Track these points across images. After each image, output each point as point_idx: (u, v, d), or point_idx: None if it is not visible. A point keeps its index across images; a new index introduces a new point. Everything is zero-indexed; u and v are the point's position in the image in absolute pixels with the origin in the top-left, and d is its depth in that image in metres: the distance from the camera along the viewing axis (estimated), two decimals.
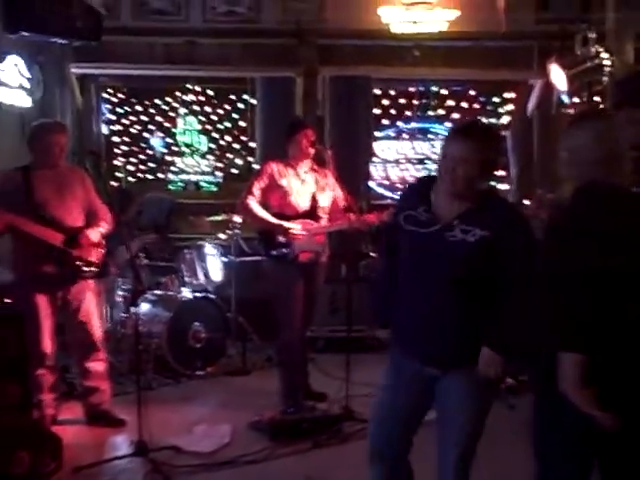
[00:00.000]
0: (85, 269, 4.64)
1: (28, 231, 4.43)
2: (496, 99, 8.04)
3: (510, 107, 7.99)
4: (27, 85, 6.57)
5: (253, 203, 4.98)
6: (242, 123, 8.09)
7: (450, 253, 2.69)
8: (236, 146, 8.15)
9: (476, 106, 8.02)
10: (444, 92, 8.03)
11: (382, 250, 3.04)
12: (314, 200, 5.07)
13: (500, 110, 8.03)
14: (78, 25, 6.25)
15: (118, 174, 7.81)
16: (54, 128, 4.75)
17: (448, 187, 2.73)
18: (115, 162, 8.01)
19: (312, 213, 5.06)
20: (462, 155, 2.66)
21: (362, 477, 4.04)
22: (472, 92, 8.01)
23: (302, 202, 5.04)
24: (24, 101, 6.55)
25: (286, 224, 4.95)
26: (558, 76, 6.89)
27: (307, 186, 5.06)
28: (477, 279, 2.70)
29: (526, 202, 7.19)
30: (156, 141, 8.18)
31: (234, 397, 5.45)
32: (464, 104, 7.99)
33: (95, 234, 4.67)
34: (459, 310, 2.72)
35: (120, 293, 6.13)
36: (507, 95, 7.96)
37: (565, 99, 7.03)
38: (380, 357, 6.37)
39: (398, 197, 3.09)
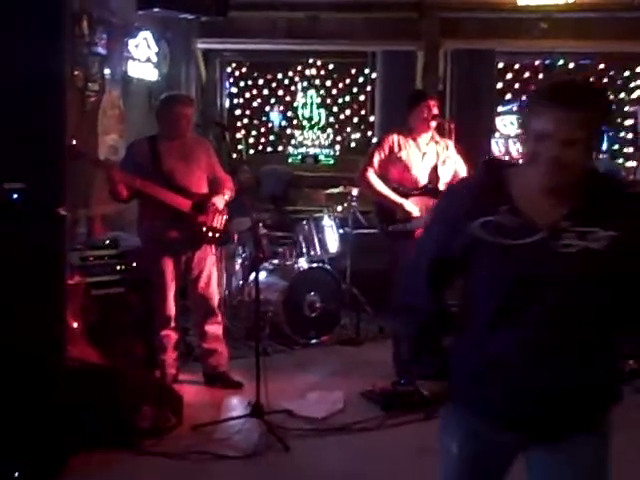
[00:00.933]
0: (210, 234, 4.79)
1: (157, 196, 4.60)
2: (627, 73, 7.68)
3: None
4: (155, 59, 6.80)
5: (372, 175, 4.97)
6: (361, 97, 8.09)
7: (568, 269, 1.90)
8: (355, 120, 8.16)
9: (605, 80, 7.69)
10: (571, 65, 7.74)
11: (421, 281, 2.11)
12: (435, 173, 5.01)
13: (631, 85, 7.67)
14: (205, 1, 6.40)
15: (239, 146, 7.98)
16: (182, 100, 4.90)
17: (545, 179, 1.91)
18: (236, 135, 8.18)
19: (432, 188, 5.00)
20: (566, 132, 1.84)
21: None
22: (601, 65, 7.69)
23: (422, 176, 4.99)
24: (152, 75, 6.79)
25: (405, 205, 4.91)
26: None
27: (428, 159, 5.00)
28: (611, 301, 1.96)
29: None
30: (275, 115, 8.30)
31: (347, 366, 5.51)
32: (592, 78, 7.68)
33: (220, 201, 4.80)
34: (584, 348, 1.96)
35: (239, 261, 6.29)
36: (639, 69, 7.59)
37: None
38: None
39: (448, 196, 2.24)
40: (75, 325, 4.32)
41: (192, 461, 3.77)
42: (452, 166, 5.06)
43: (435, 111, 4.96)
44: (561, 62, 7.74)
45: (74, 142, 4.29)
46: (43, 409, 3.43)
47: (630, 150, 7.46)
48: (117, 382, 3.90)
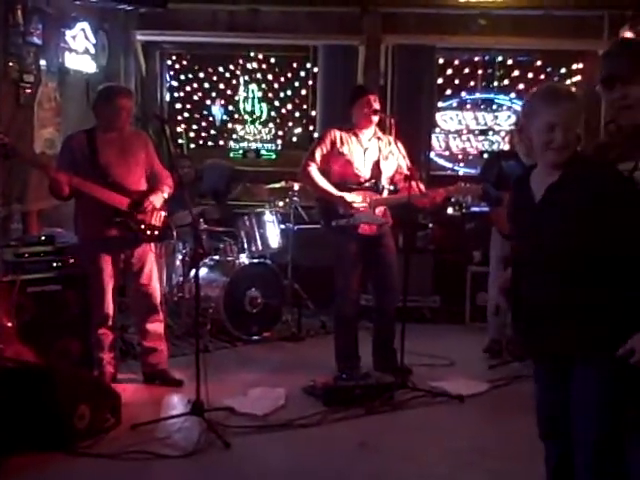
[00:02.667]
0: (148, 232, 4.72)
1: (94, 194, 4.52)
2: (563, 70, 7.82)
3: (578, 78, 7.77)
4: (92, 51, 6.66)
5: (314, 170, 4.96)
6: (303, 92, 8.07)
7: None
8: (297, 115, 8.14)
9: (542, 77, 7.82)
10: (510, 62, 7.86)
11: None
12: (377, 169, 5.02)
13: (567, 81, 7.82)
14: None
15: (180, 140, 7.89)
16: (121, 92, 4.81)
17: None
18: (177, 129, 8.08)
19: (374, 183, 5.02)
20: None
21: (414, 443, 4.10)
22: (539, 62, 7.81)
23: (364, 171, 5.00)
24: (89, 66, 6.65)
25: (348, 197, 4.91)
26: None
27: (370, 154, 5.02)
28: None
29: None
30: (217, 109, 8.22)
31: (288, 362, 5.51)
32: (530, 75, 7.81)
33: (158, 199, 4.74)
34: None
35: (179, 257, 6.22)
36: (575, 66, 7.74)
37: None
38: (433, 328, 6.46)
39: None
40: (9, 324, 4.22)
41: (131, 461, 3.69)
42: (395, 161, 5.08)
43: (376, 106, 4.96)
44: (500, 58, 7.85)
45: (7, 140, 4.19)
46: None
47: None
48: (52, 381, 3.80)
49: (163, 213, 4.79)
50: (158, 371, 4.87)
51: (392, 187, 5.19)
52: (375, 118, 4.98)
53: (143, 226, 4.68)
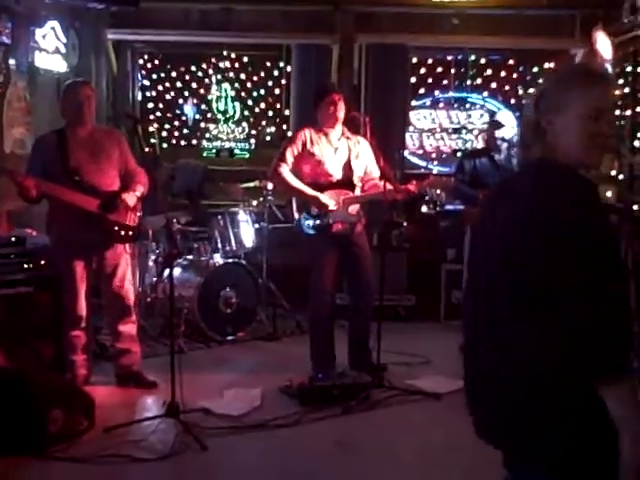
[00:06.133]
0: (122, 233, 4.67)
1: (64, 198, 4.46)
2: (535, 69, 7.87)
3: None
4: (63, 50, 6.59)
5: (285, 170, 4.93)
6: (276, 91, 8.04)
7: None
8: (270, 114, 8.11)
9: (515, 76, 7.87)
10: (482, 61, 7.89)
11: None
12: (348, 168, 5.01)
13: (539, 80, 7.86)
14: None
15: (152, 140, 7.82)
16: (80, 83, 4.81)
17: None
18: (149, 128, 8.01)
19: (346, 182, 5.01)
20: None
21: (390, 442, 4.09)
22: (511, 61, 7.86)
23: (335, 170, 4.98)
24: (60, 66, 6.57)
25: (321, 198, 4.88)
26: (603, 44, 6.72)
27: (340, 153, 5.00)
28: None
29: None
30: (189, 108, 8.16)
31: (264, 362, 5.49)
32: (503, 73, 7.85)
33: (131, 198, 4.68)
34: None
35: (152, 257, 6.16)
36: (547, 65, 7.79)
37: (608, 68, 6.87)
38: (408, 326, 6.46)
39: None
40: None
41: (106, 465, 3.64)
42: (365, 160, 5.07)
43: (341, 105, 4.94)
44: (472, 57, 7.87)
45: None
46: None
47: None
48: (24, 385, 3.74)
49: (137, 213, 4.74)
50: (132, 373, 4.82)
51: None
52: (340, 117, 4.95)
53: (117, 227, 4.62)
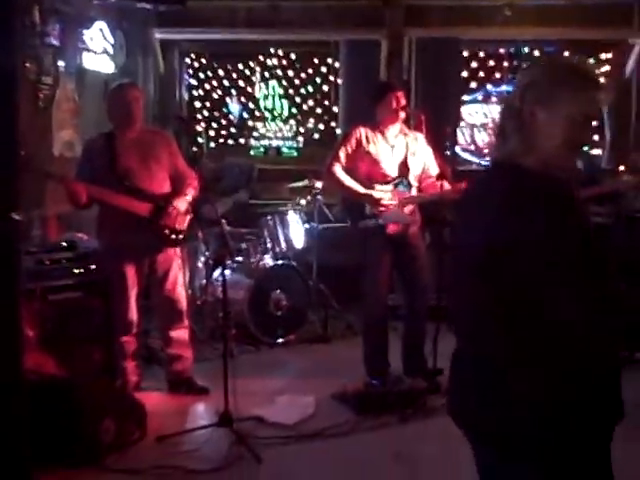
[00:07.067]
0: (173, 237, 4.60)
1: (115, 203, 4.40)
2: (591, 60, 7.61)
3: (606, 68, 7.57)
4: (111, 51, 6.56)
5: (339, 170, 4.81)
6: (325, 87, 7.92)
7: None
8: (318, 111, 7.99)
9: None
10: (536, 53, 7.66)
11: None
12: (405, 166, 4.86)
13: (596, 72, 7.62)
14: None
15: (199, 139, 7.77)
16: (126, 85, 4.73)
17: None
18: (196, 127, 7.96)
19: (403, 180, 4.86)
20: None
21: (450, 452, 3.93)
22: (566, 53, 7.61)
23: (391, 169, 4.84)
24: (108, 67, 6.55)
25: (375, 194, 4.76)
26: None
27: (397, 151, 4.86)
28: None
29: (621, 168, 6.86)
30: (235, 107, 8.09)
31: (316, 366, 5.38)
32: None
33: (182, 203, 4.59)
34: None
35: (202, 259, 6.09)
36: (603, 56, 7.53)
37: None
38: None
39: None
40: (30, 333, 4.10)
41: (158, 476, 3.57)
42: (422, 158, 4.92)
43: (403, 102, 4.82)
44: (526, 50, 7.66)
45: (22, 152, 4.07)
46: None
47: (595, 138, 7.40)
48: (76, 394, 3.69)
49: (188, 217, 4.66)
50: (183, 379, 4.75)
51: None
52: (402, 114, 4.84)
53: (167, 231, 4.55)
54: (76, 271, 4.67)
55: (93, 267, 4.72)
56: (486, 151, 7.80)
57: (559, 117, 1.78)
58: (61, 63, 5.71)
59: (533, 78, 1.85)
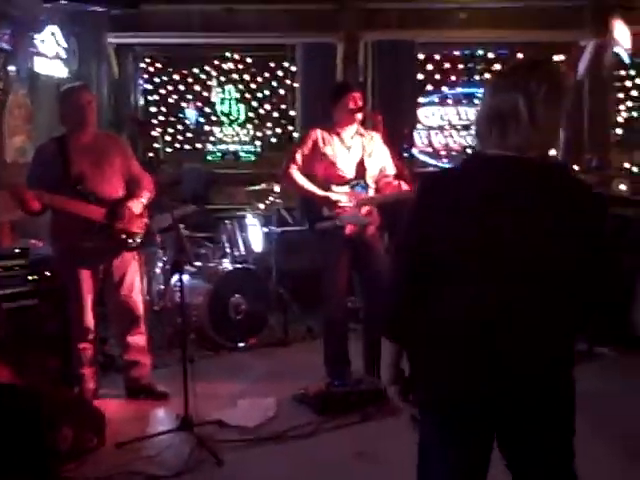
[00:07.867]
0: (130, 241, 4.53)
1: (68, 208, 4.31)
2: None
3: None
4: (63, 55, 6.46)
5: (296, 172, 4.79)
6: (282, 91, 7.91)
7: None
8: (275, 115, 7.98)
9: None
10: (490, 56, 7.76)
11: None
12: (361, 167, 4.86)
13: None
14: None
15: (156, 145, 7.70)
16: (79, 87, 4.64)
17: None
18: (152, 132, 7.89)
19: (360, 180, 4.86)
20: None
21: (414, 450, 3.91)
22: (520, 55, 7.71)
23: (348, 170, 4.84)
24: (61, 71, 6.45)
25: (333, 196, 4.75)
26: (622, 33, 6.57)
27: (353, 152, 4.85)
28: None
29: (575, 167, 6.96)
30: (191, 112, 8.04)
31: (276, 369, 5.34)
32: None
33: (137, 205, 4.53)
34: None
35: (159, 264, 6.02)
36: (556, 57, 7.64)
37: (625, 58, 6.72)
38: None
39: None
40: None
41: None
42: (379, 158, 4.93)
43: (360, 103, 4.82)
44: (480, 52, 7.74)
45: None
46: None
47: None
48: (33, 403, 3.60)
49: (144, 219, 4.60)
50: (142, 385, 4.68)
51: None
52: (359, 115, 4.83)
53: (124, 235, 4.48)
54: (30, 278, 4.59)
55: (48, 274, 4.64)
56: (443, 153, 7.86)
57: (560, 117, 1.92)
58: (12, 68, 5.61)
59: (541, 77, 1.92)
